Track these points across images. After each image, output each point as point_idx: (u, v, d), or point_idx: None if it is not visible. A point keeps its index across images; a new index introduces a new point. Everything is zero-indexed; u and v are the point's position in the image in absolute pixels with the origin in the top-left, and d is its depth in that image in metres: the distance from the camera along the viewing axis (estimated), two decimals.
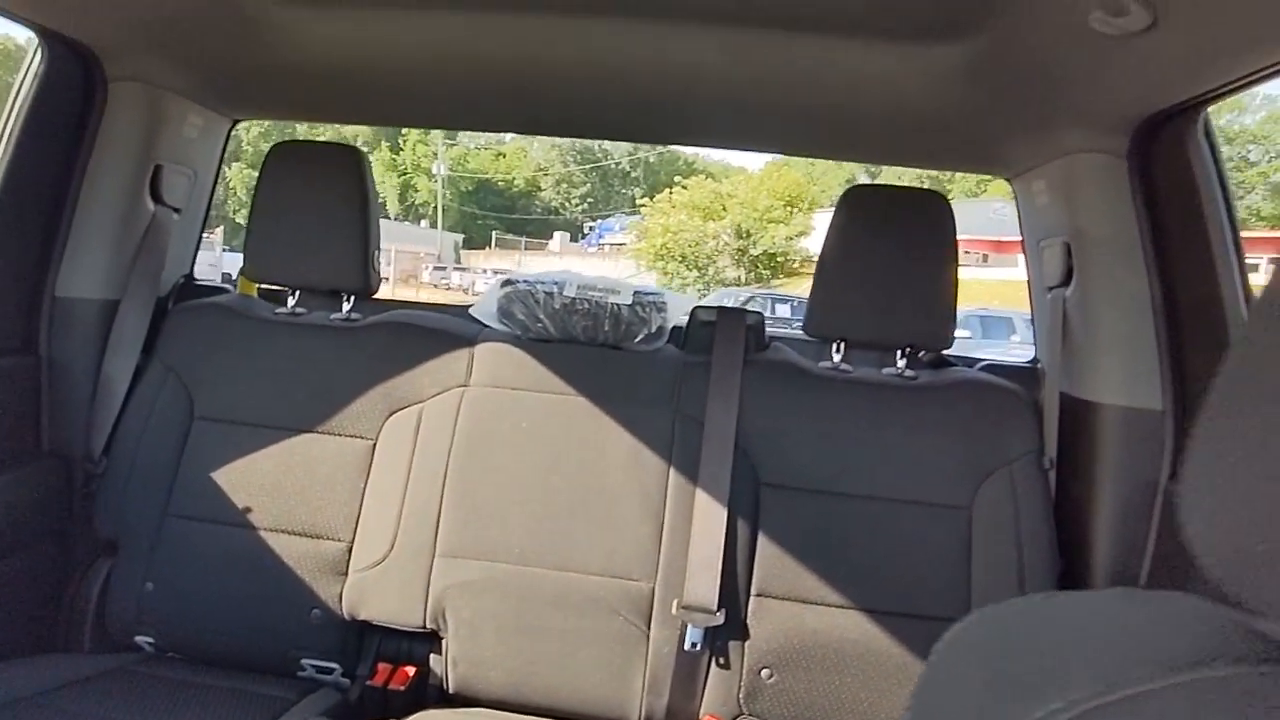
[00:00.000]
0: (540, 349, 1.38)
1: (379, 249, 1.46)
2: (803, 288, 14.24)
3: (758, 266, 22.98)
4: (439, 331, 1.41)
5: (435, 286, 23.88)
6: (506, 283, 1.43)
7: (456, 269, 26.26)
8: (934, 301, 1.27)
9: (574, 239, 32.09)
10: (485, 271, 23.65)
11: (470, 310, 1.46)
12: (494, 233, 32.95)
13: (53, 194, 1.33)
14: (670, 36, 1.14)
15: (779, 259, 22.99)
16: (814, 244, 14.12)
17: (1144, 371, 1.18)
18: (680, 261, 23.06)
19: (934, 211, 1.28)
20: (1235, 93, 0.96)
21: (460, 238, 32.95)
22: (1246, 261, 1.08)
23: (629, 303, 1.37)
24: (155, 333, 1.43)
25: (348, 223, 1.40)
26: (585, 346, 1.38)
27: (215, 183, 1.63)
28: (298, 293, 1.45)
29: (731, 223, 23.13)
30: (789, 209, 23.46)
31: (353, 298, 1.45)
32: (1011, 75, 1.09)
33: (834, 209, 1.35)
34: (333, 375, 1.38)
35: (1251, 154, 23.90)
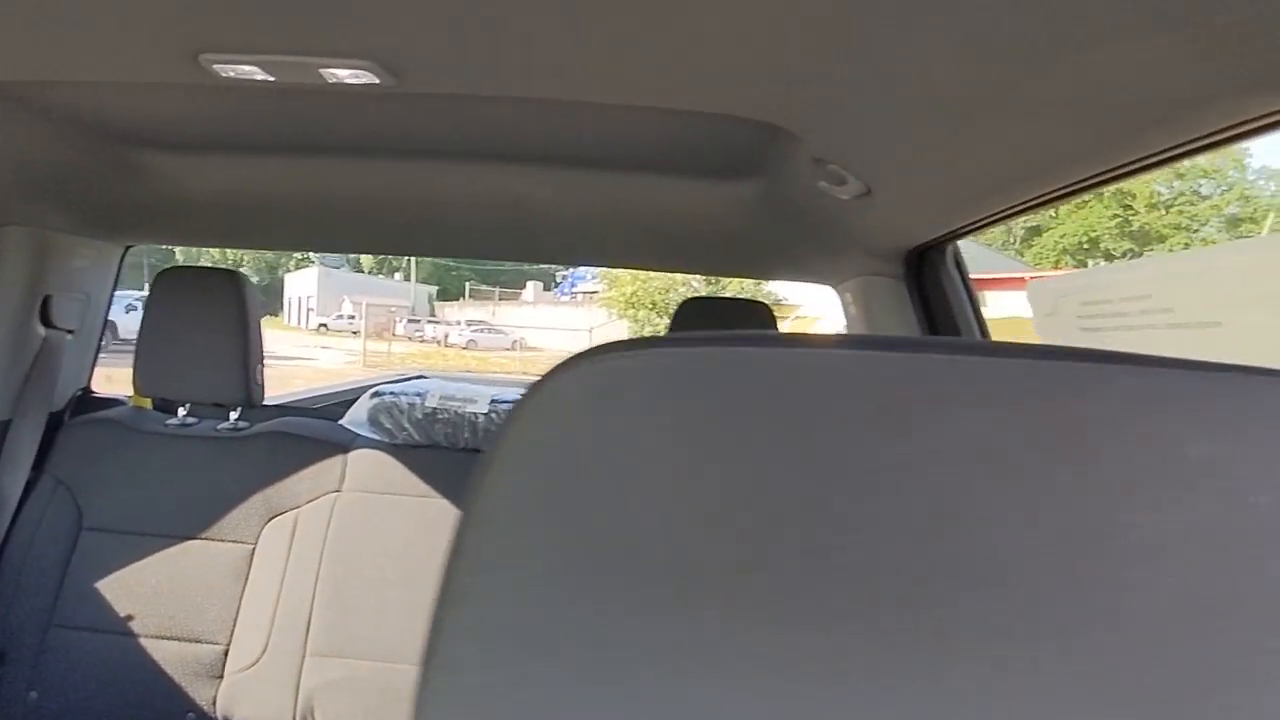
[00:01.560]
0: (407, 455, 1.49)
1: (261, 362, 1.58)
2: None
3: None
4: (315, 440, 1.52)
5: (410, 339, 23.91)
6: (375, 394, 1.54)
7: (430, 321, 26.34)
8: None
9: (547, 288, 32.37)
10: (459, 323, 23.77)
11: (341, 421, 1.57)
12: (468, 284, 33.19)
13: None
14: (507, 174, 1.28)
15: None
16: (786, 289, 14.27)
17: None
18: (650, 309, 23.29)
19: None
20: (971, 232, 1.11)
21: (434, 289, 33.13)
22: None
23: (485, 411, 1.48)
24: (50, 445, 1.53)
25: (229, 341, 1.51)
26: (449, 450, 1.49)
27: (111, 300, 1.74)
28: (188, 404, 1.56)
29: None
30: None
31: (239, 408, 1.56)
32: (796, 209, 1.23)
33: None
34: (216, 483, 1.48)
35: (1203, 188, 24.70)
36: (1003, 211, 0.93)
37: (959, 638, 0.22)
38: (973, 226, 1.05)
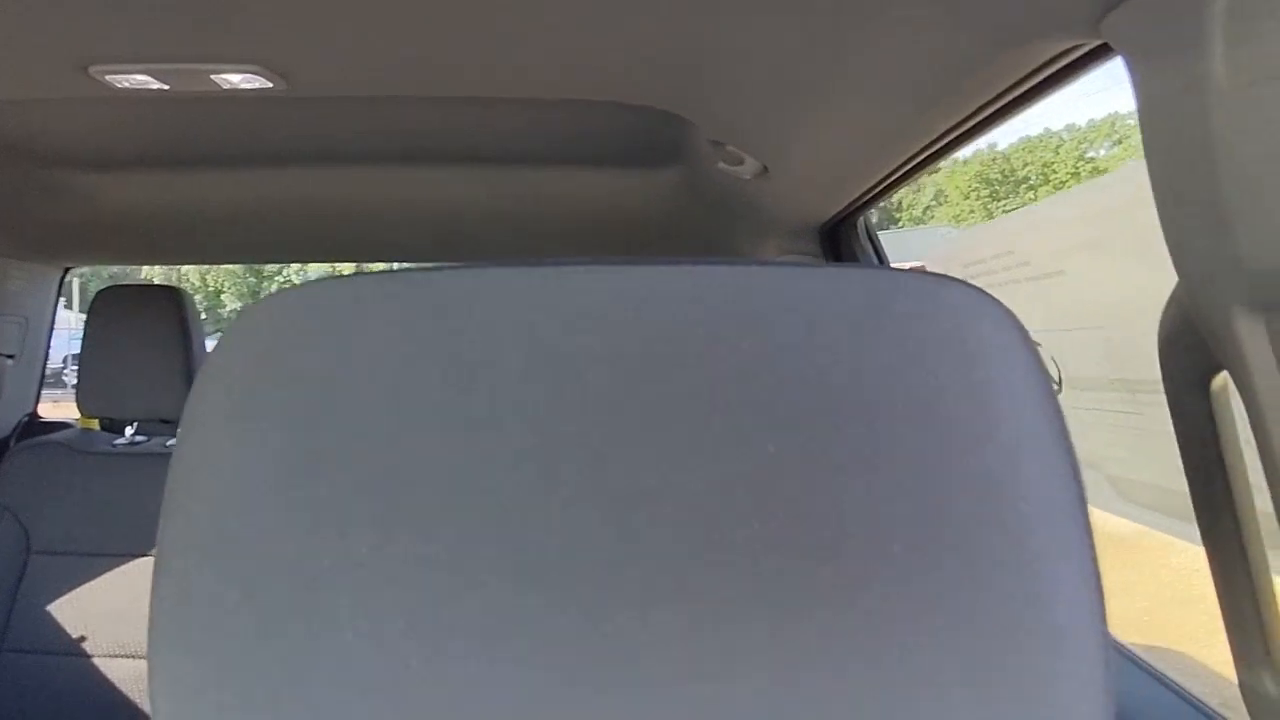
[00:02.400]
0: None
1: None
2: None
3: None
4: None
5: None
6: None
7: None
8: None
9: None
10: None
11: None
12: None
13: None
14: (424, 175, 1.30)
15: None
16: None
17: None
18: None
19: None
20: (870, 203, 1.14)
21: None
22: None
23: None
24: None
25: (171, 357, 1.52)
26: None
27: (52, 324, 1.74)
28: (135, 423, 1.57)
29: None
30: None
31: None
32: (708, 193, 1.26)
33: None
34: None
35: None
36: (888, 180, 0.96)
37: (638, 544, 0.24)
38: (868, 197, 1.09)
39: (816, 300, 0.25)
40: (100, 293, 1.56)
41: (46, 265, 1.66)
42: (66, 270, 1.73)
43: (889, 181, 0.99)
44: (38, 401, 1.74)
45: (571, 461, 0.24)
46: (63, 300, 1.74)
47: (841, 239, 1.27)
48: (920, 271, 0.28)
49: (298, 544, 0.25)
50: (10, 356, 1.59)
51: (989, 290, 0.80)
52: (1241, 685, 0.43)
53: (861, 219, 1.23)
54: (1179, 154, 0.34)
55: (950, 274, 0.87)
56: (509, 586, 0.24)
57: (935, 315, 0.26)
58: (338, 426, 0.25)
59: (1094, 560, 0.26)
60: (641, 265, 0.25)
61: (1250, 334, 0.33)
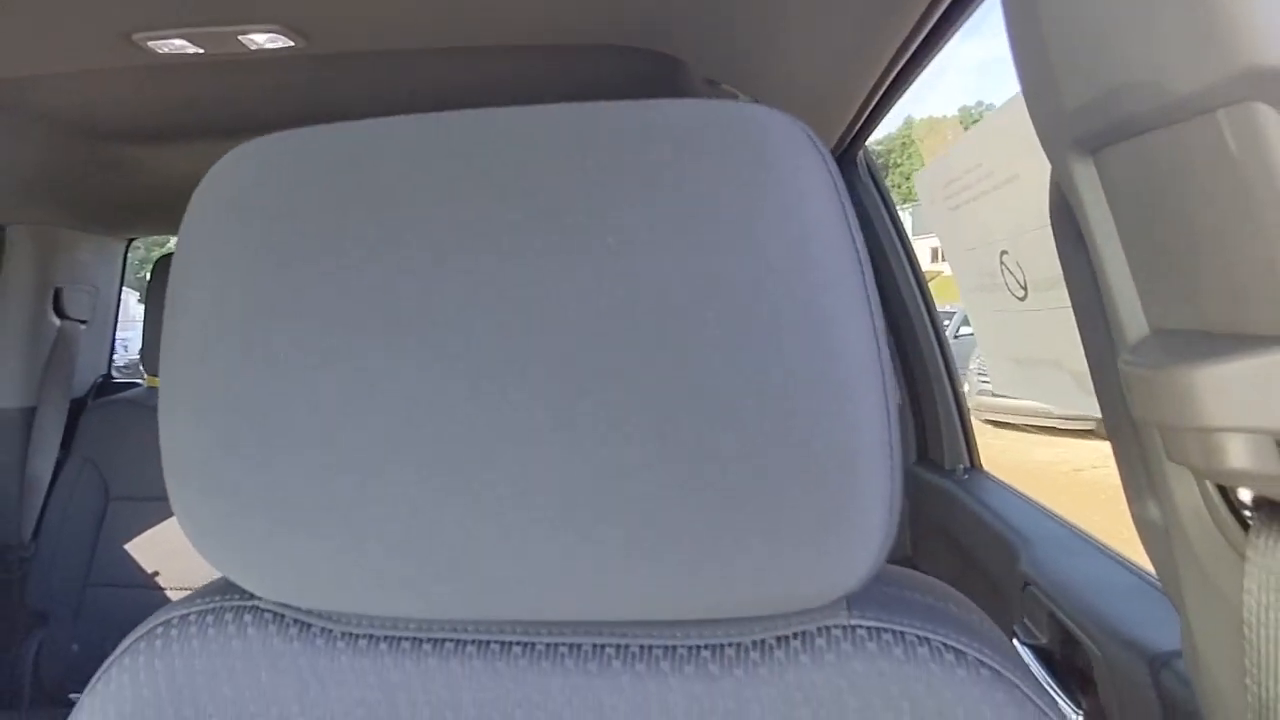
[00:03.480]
0: None
1: None
2: None
3: None
4: None
5: None
6: None
7: None
8: None
9: None
10: None
11: None
12: None
13: None
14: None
15: None
16: None
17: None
18: None
19: None
20: (866, 131, 1.18)
21: None
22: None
23: None
24: (75, 428, 1.68)
25: None
26: None
27: (120, 293, 1.88)
28: None
29: None
30: None
31: None
32: None
33: None
34: None
35: None
36: (876, 102, 1.00)
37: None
38: (861, 123, 1.12)
39: (647, 130, 0.32)
40: (159, 260, 1.69)
41: (111, 237, 1.80)
42: (129, 241, 1.86)
43: (877, 102, 1.03)
44: (110, 364, 1.89)
45: (458, 257, 0.32)
46: (136, 295, 1.87)
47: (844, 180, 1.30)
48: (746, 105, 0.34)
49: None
50: (83, 322, 1.74)
51: (966, 205, 0.84)
52: (1134, 517, 0.47)
53: (861, 154, 1.26)
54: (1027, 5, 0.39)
55: (934, 198, 0.90)
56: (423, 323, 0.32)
57: (744, 137, 0.32)
58: (294, 254, 0.33)
59: (887, 382, 0.32)
60: (507, 111, 0.33)
61: (1083, 177, 0.38)
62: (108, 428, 1.66)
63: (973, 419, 1.33)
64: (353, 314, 0.33)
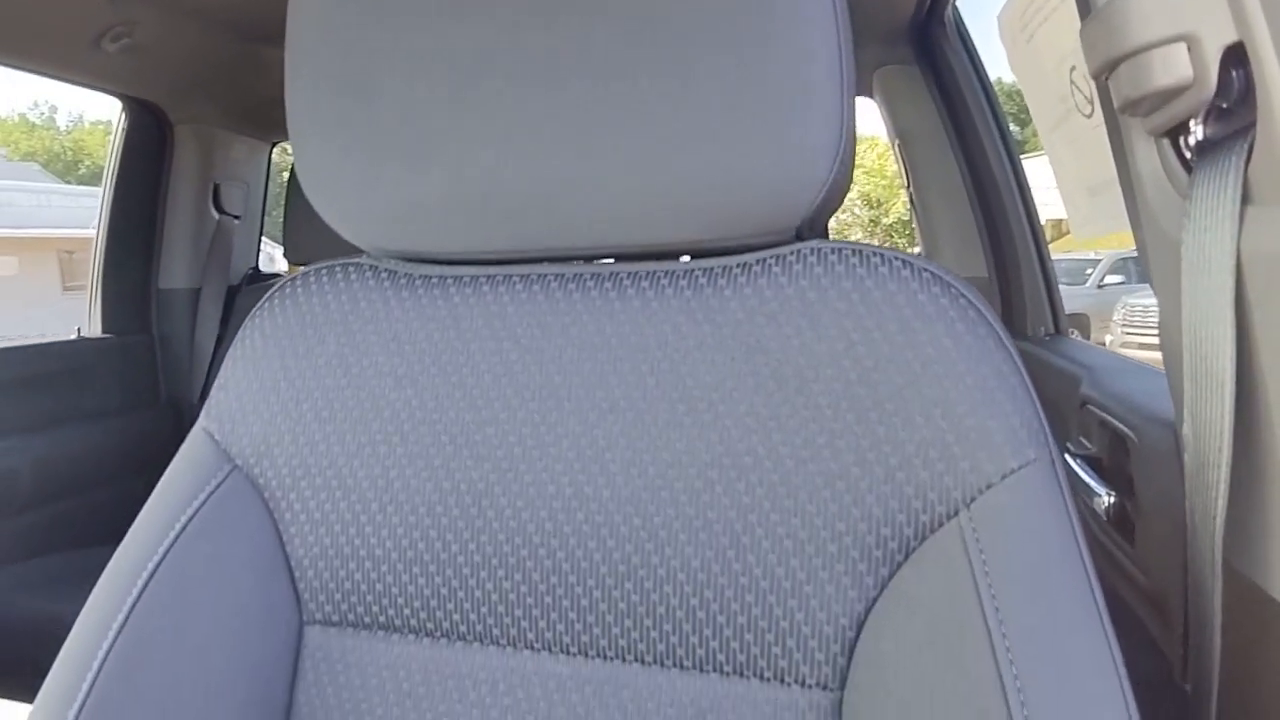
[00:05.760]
0: None
1: None
2: None
3: (892, 235, 22.26)
4: None
5: None
6: None
7: None
8: None
9: None
10: None
11: None
12: None
13: (149, 213, 1.83)
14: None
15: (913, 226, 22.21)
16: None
17: (970, 242, 1.38)
18: None
19: None
20: None
21: None
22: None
23: None
24: (230, 311, 1.92)
25: None
26: None
27: (266, 195, 2.11)
28: None
29: (860, 193, 22.54)
30: None
31: None
32: None
33: None
34: None
35: None
36: None
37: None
38: None
39: None
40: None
41: (259, 140, 2.01)
42: (274, 145, 2.07)
43: None
44: (258, 258, 2.12)
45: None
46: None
47: (933, 41, 1.29)
48: None
49: None
50: (237, 217, 1.96)
51: (1039, 30, 0.83)
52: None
53: (948, 12, 1.24)
54: None
55: (1017, 39, 0.90)
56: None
57: None
58: None
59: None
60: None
61: None
62: None
63: None
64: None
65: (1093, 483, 0.79)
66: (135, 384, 1.81)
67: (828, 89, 0.40)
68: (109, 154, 1.78)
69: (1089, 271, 9.20)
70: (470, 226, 0.46)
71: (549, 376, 0.45)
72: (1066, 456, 0.87)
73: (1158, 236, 0.46)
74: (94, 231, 1.82)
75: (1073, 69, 0.85)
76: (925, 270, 0.41)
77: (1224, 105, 0.38)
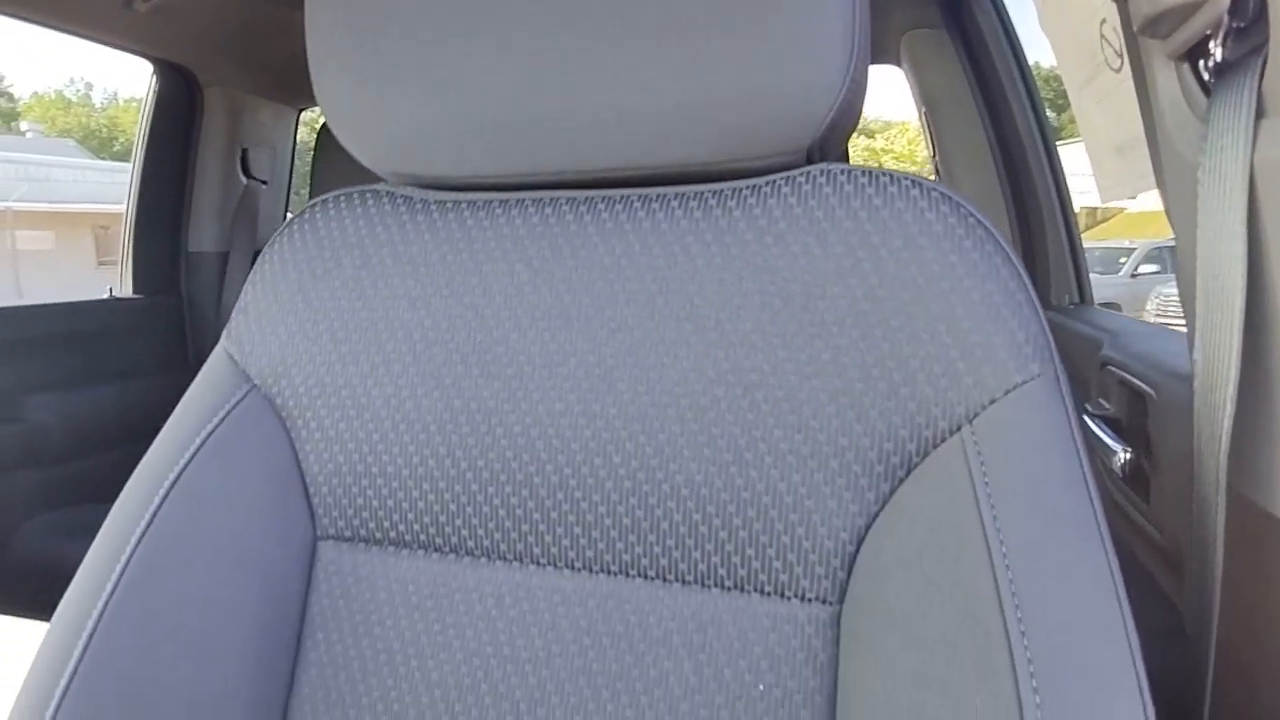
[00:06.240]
0: None
1: None
2: None
3: None
4: None
5: None
6: None
7: None
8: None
9: None
10: None
11: None
12: None
13: (179, 176, 1.86)
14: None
15: None
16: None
17: (996, 211, 1.36)
18: None
19: None
20: None
21: None
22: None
23: None
24: None
25: None
26: None
27: (292, 161, 2.13)
28: None
29: None
30: None
31: None
32: None
33: None
34: None
35: None
36: None
37: None
38: None
39: None
40: (323, 126, 1.90)
41: (286, 105, 2.03)
42: (299, 111, 2.09)
43: None
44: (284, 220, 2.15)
45: None
46: None
47: (963, 3, 1.27)
48: None
49: None
50: (264, 182, 1.99)
51: None
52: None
53: None
54: None
55: None
56: None
57: None
58: None
59: None
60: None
61: None
62: None
63: None
64: None
65: (1110, 440, 0.78)
66: (164, 345, 1.84)
67: (837, 5, 0.39)
68: (140, 117, 1.81)
69: (1123, 260, 9.05)
70: (484, 149, 0.46)
71: (559, 297, 0.45)
72: (1085, 418, 0.86)
73: (1176, 162, 0.45)
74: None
75: (1103, 22, 0.84)
76: (934, 190, 0.41)
77: (1240, 25, 0.38)
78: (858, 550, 0.40)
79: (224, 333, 0.53)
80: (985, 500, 0.35)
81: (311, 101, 2.09)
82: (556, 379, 0.45)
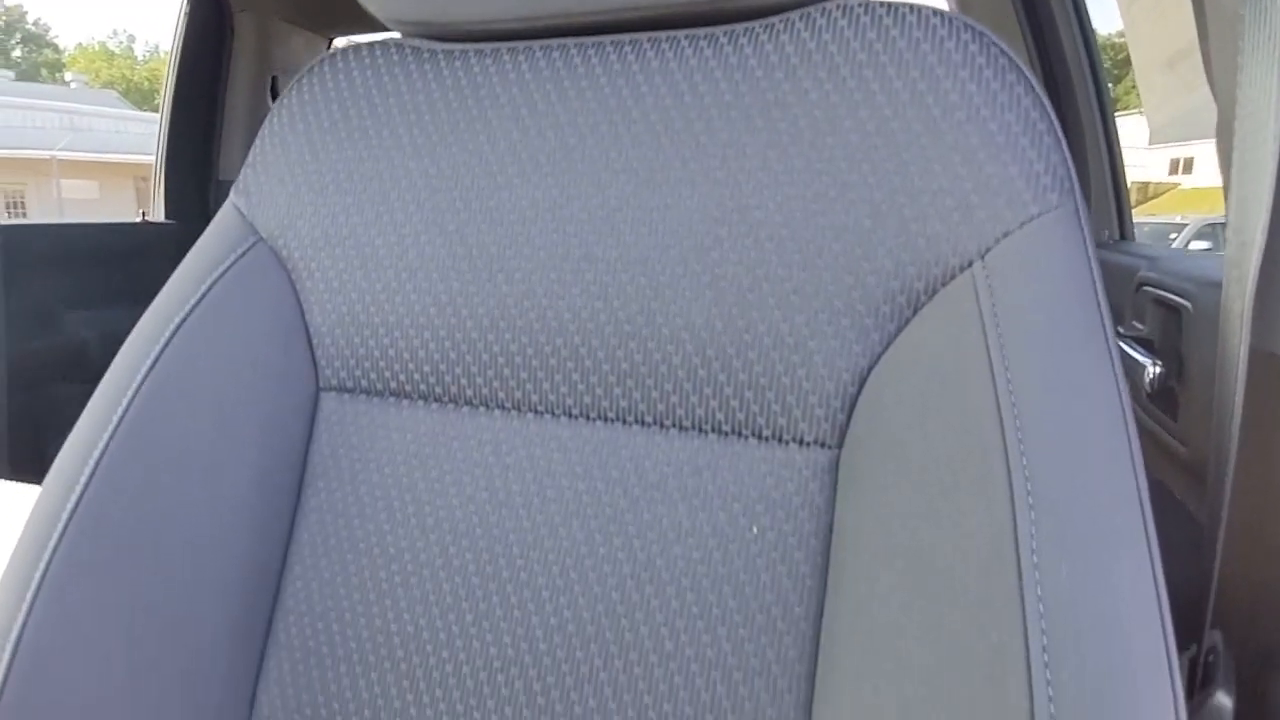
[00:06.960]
0: None
1: None
2: None
3: None
4: None
5: None
6: None
7: None
8: None
9: None
10: None
11: None
12: None
13: (210, 104, 1.86)
14: None
15: None
16: None
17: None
18: None
19: None
20: None
21: None
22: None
23: None
24: None
25: None
26: None
27: None
28: None
29: None
30: None
31: None
32: None
33: None
34: None
35: None
36: None
37: None
38: None
39: None
40: None
41: (317, 34, 2.02)
42: (330, 41, 2.08)
43: None
44: None
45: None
46: None
47: None
48: None
49: None
50: None
51: None
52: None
53: None
54: None
55: None
56: None
57: None
58: None
59: None
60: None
61: None
62: None
63: None
64: None
65: (1139, 355, 0.75)
66: None
67: None
68: (172, 44, 1.81)
69: (1173, 236, 8.81)
70: None
71: (564, 139, 0.44)
72: (1119, 341, 0.83)
73: (1221, 22, 0.42)
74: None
75: None
76: (957, 20, 0.39)
77: None
78: (859, 392, 0.38)
79: (233, 188, 0.53)
80: (994, 336, 0.34)
81: (343, 30, 2.08)
82: (559, 222, 0.43)
